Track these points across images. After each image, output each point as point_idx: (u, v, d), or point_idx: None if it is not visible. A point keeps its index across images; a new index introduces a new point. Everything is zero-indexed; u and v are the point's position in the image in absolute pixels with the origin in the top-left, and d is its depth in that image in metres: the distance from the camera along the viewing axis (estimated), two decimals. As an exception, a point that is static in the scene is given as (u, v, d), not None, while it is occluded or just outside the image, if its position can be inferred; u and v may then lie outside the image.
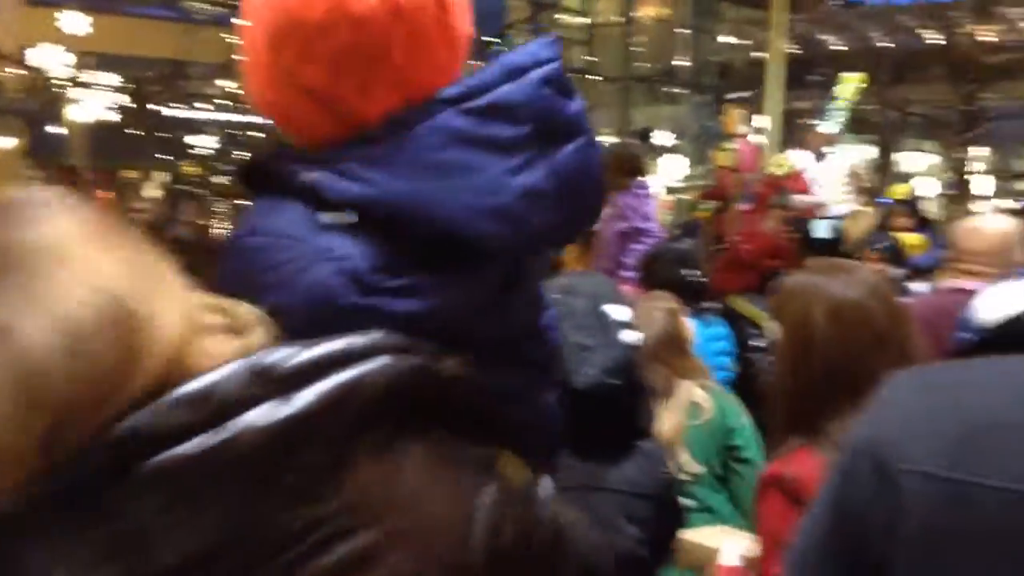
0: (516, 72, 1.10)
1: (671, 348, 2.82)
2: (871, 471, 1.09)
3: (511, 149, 1.07)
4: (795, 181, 7.05)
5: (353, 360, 0.73)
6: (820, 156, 7.39)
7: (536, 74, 1.10)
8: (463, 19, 1.14)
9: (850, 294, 1.78)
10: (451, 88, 1.08)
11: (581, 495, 1.82)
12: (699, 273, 3.63)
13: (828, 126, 7.51)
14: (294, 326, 0.79)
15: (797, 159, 7.24)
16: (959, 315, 2.38)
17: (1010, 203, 12.58)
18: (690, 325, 3.02)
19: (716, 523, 2.52)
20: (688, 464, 2.69)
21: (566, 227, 1.16)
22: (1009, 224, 3.04)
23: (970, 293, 2.61)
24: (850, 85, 7.75)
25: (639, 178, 4.83)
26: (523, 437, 0.96)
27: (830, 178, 7.21)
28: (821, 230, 6.77)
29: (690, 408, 2.75)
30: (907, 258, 5.77)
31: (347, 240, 1.02)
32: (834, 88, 7.67)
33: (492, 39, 16.69)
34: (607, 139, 14.84)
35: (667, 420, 2.70)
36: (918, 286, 4.31)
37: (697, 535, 2.09)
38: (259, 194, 1.11)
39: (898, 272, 5.05)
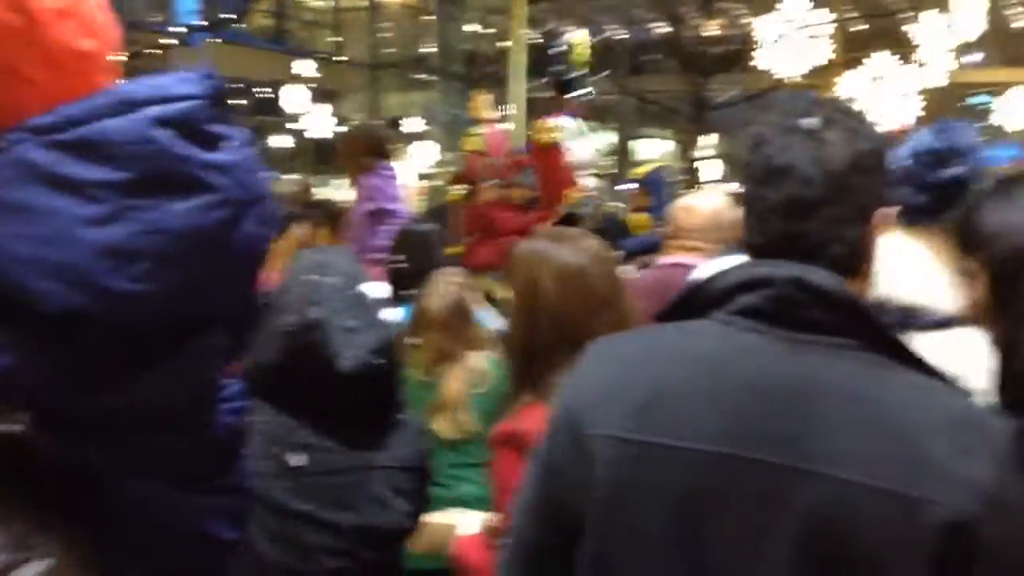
0: (129, 105, 0.92)
1: (460, 319, 3.02)
2: (567, 437, 1.20)
3: (95, 195, 0.89)
4: (556, 153, 7.21)
5: None
6: (579, 114, 7.54)
7: (152, 111, 0.92)
8: (73, 36, 0.95)
9: (575, 260, 1.89)
10: (42, 117, 0.91)
11: (352, 476, 1.84)
12: (402, 259, 3.71)
13: (580, 93, 7.71)
14: None
15: (564, 124, 7.34)
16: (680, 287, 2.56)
17: (735, 187, 13.47)
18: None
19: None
20: (468, 424, 2.86)
21: (196, 302, 0.95)
22: (721, 202, 3.27)
23: (688, 267, 2.81)
24: (579, 48, 8.03)
25: (385, 159, 4.83)
26: (119, 526, 0.90)
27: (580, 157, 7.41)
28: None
29: (473, 376, 2.94)
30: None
31: None
32: (568, 57, 7.91)
33: (229, 16, 16.05)
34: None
35: (452, 384, 2.91)
36: (626, 268, 4.54)
37: (434, 516, 2.15)
38: None
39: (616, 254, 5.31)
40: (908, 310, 1.85)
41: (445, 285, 3.06)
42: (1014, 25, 24.39)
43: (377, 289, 1.97)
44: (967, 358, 1.82)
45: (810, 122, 1.19)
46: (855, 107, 1.30)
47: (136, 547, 0.94)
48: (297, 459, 1.82)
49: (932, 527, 1.03)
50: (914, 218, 1.89)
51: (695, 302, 1.23)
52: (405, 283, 3.54)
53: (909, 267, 1.87)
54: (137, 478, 0.95)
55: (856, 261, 1.19)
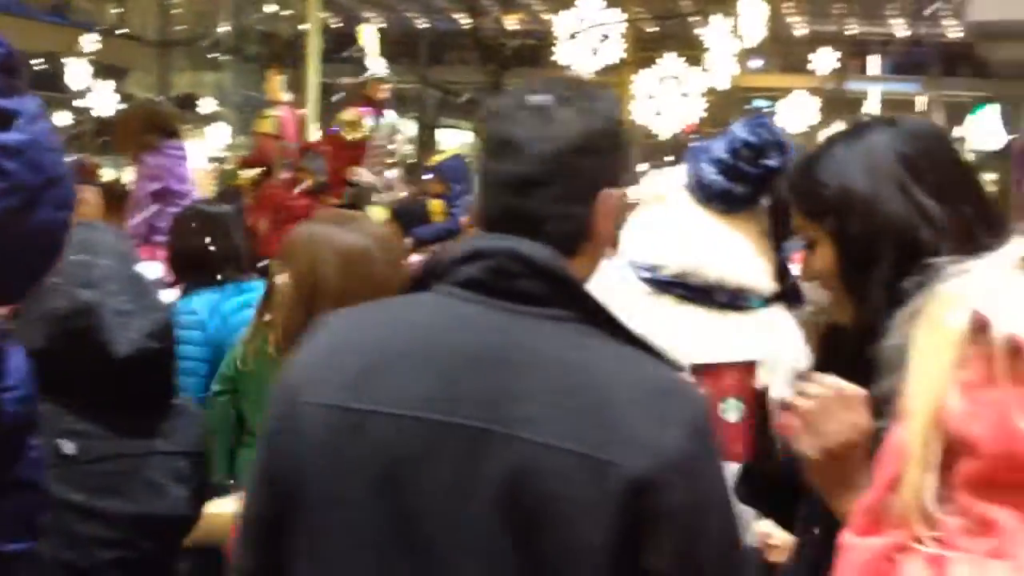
0: None
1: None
2: (285, 407, 1.20)
3: None
4: (360, 146, 7.12)
5: None
6: (384, 104, 7.44)
7: None
8: None
9: (357, 243, 1.86)
10: None
11: (127, 463, 1.77)
12: (209, 241, 3.58)
13: (378, 71, 7.64)
14: None
15: (367, 118, 7.23)
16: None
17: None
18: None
19: None
20: None
21: None
22: None
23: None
24: (367, 36, 8.02)
25: (171, 138, 4.63)
26: None
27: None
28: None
29: None
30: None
31: None
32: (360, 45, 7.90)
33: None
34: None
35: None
36: (415, 258, 4.56)
37: (214, 506, 2.09)
38: None
39: (406, 242, 5.31)
40: (737, 291, 1.94)
41: None
42: (792, 33, 26.00)
43: (151, 270, 1.88)
44: (791, 335, 1.95)
45: (541, 99, 1.20)
46: (600, 90, 1.29)
47: None
48: (69, 447, 1.72)
49: (618, 490, 1.07)
50: (733, 206, 1.96)
51: (428, 276, 1.24)
52: (195, 266, 3.39)
53: (730, 252, 1.96)
54: None
55: (577, 240, 1.21)
